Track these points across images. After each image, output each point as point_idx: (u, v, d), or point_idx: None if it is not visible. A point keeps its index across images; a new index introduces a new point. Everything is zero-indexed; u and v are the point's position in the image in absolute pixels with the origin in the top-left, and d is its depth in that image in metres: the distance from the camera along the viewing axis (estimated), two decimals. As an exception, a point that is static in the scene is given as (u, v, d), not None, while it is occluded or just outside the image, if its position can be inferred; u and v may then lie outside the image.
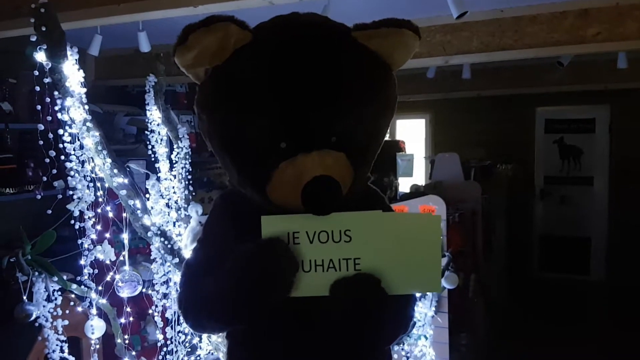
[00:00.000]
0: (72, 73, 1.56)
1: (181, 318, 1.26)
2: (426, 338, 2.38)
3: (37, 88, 1.54)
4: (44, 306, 1.68)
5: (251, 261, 1.07)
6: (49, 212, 1.62)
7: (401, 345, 2.34)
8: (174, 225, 1.94)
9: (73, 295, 1.83)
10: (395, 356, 2.21)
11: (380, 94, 1.18)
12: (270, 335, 1.19)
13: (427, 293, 2.38)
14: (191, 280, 1.23)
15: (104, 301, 1.77)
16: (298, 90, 1.07)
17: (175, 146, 2.07)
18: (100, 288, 1.77)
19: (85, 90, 1.60)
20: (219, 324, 1.21)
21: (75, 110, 1.56)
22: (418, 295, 2.34)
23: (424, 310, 2.37)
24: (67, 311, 1.76)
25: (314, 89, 1.07)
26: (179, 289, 1.28)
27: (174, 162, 2.05)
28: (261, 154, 1.11)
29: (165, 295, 1.89)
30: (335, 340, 1.15)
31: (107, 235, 1.78)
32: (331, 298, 1.08)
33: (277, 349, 1.19)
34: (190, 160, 2.09)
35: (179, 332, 1.93)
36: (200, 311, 1.18)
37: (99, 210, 1.71)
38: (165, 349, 1.93)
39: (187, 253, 1.79)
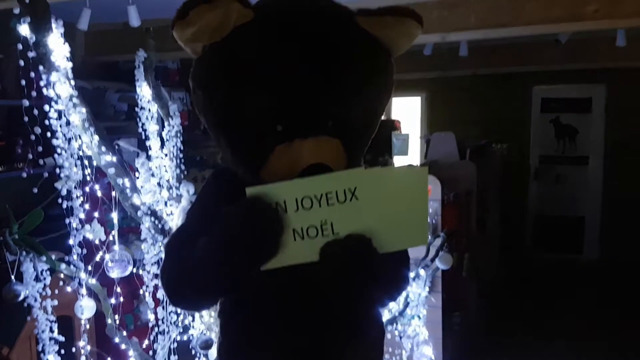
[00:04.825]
0: (58, 47, 1.51)
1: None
2: (419, 318, 2.38)
3: (22, 62, 1.49)
4: (32, 286, 1.65)
5: (234, 220, 1.02)
6: (35, 190, 1.58)
7: (394, 324, 2.34)
8: (165, 205, 1.91)
9: (62, 275, 1.81)
10: (388, 336, 2.21)
11: (380, 80, 1.17)
12: (263, 307, 1.17)
13: (421, 273, 2.37)
14: (172, 251, 1.19)
15: (93, 281, 1.75)
16: (297, 73, 1.05)
17: (166, 124, 2.02)
18: (90, 268, 1.74)
19: (71, 65, 1.55)
20: (200, 293, 1.15)
21: (60, 86, 1.52)
22: (412, 275, 2.33)
23: (417, 290, 2.37)
24: (57, 291, 1.74)
25: (314, 73, 1.05)
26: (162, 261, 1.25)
27: (165, 140, 2.01)
28: (257, 135, 1.09)
29: (156, 276, 1.86)
30: (330, 305, 1.14)
31: (96, 214, 1.74)
32: (322, 263, 1.04)
33: (271, 323, 1.17)
34: (181, 139, 2.04)
35: (170, 312, 1.91)
36: (180, 280, 1.14)
37: (87, 189, 1.68)
38: (157, 329, 1.91)
39: (178, 233, 1.76)
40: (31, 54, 1.49)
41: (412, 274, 2.35)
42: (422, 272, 2.39)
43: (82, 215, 1.68)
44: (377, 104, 1.20)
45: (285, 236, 1.04)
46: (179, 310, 1.92)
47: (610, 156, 6.20)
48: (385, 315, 2.24)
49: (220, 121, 1.14)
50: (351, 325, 1.20)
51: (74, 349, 1.90)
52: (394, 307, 2.30)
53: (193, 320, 1.94)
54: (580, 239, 6.45)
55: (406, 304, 2.31)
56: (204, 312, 1.89)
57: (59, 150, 1.59)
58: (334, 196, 1.03)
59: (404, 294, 2.19)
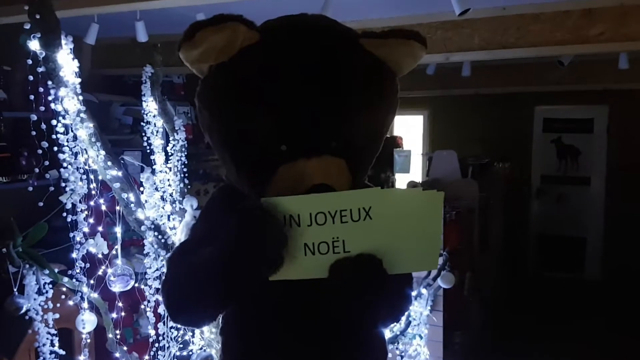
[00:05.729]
0: (67, 63, 1.53)
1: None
2: (421, 337, 2.36)
3: (31, 77, 1.51)
4: (34, 299, 1.65)
5: (235, 228, 1.00)
6: (41, 204, 1.58)
7: (396, 344, 2.32)
8: (169, 219, 1.91)
9: (65, 289, 1.81)
10: (389, 355, 2.20)
11: (384, 101, 1.18)
12: (266, 325, 1.17)
13: (423, 292, 2.37)
14: (174, 265, 1.19)
15: (95, 295, 1.75)
16: (301, 94, 1.06)
17: (171, 138, 2.04)
18: (92, 282, 1.74)
19: (79, 80, 1.57)
20: (199, 305, 1.13)
21: (69, 101, 1.53)
22: (414, 294, 2.32)
23: (419, 309, 2.36)
24: (58, 304, 1.74)
25: (319, 94, 1.06)
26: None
27: (169, 154, 2.02)
28: (261, 155, 1.10)
29: (157, 290, 1.86)
30: (333, 324, 1.14)
31: (100, 228, 1.75)
32: (331, 280, 1.04)
33: (273, 341, 1.17)
34: (186, 153, 2.06)
35: (171, 327, 1.90)
36: (180, 293, 1.13)
37: (92, 203, 1.68)
38: (157, 344, 1.90)
39: (181, 248, 1.76)
40: (40, 69, 1.50)
41: (414, 293, 2.34)
42: (424, 291, 2.38)
43: (86, 229, 1.68)
44: (381, 124, 1.20)
45: (295, 249, 1.03)
46: (179, 326, 1.92)
47: (612, 177, 6.20)
48: (387, 334, 2.23)
49: (225, 140, 1.15)
50: (354, 344, 1.19)
51: (73, 363, 1.89)
52: (395, 326, 2.29)
53: (193, 336, 1.93)
54: (582, 259, 6.42)
55: (408, 323, 2.30)
56: (205, 328, 1.88)
57: (65, 164, 1.60)
58: (348, 214, 1.03)
59: (406, 313, 2.18)
